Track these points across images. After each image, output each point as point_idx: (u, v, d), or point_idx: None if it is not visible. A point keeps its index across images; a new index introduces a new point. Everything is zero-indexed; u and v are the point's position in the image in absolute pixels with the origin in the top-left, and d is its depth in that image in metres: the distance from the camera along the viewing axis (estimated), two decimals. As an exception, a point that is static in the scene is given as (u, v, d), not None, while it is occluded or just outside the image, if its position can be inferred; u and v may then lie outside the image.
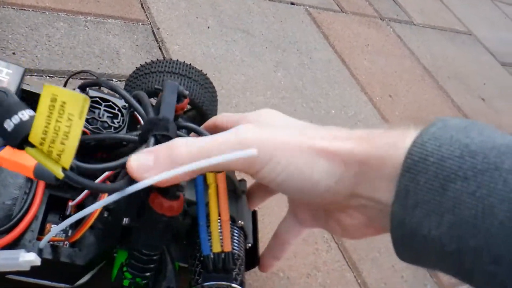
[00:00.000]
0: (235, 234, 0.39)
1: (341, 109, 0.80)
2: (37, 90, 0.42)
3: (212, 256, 0.36)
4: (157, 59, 0.53)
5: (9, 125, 0.28)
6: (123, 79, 0.63)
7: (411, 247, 0.26)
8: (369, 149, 0.28)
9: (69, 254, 0.35)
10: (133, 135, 0.38)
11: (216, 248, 0.36)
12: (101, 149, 0.40)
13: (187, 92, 0.39)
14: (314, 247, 0.56)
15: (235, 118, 0.37)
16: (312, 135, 0.30)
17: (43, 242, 0.34)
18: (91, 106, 0.40)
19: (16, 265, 0.30)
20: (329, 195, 0.29)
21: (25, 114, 0.28)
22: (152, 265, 0.36)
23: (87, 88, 0.41)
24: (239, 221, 0.39)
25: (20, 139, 0.27)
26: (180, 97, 0.38)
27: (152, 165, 0.28)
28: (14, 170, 0.29)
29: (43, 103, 0.26)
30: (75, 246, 0.36)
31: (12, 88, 0.39)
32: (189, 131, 0.38)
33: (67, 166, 0.26)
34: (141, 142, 0.33)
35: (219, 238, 0.36)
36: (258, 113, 0.36)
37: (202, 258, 0.37)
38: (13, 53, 0.58)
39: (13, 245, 0.33)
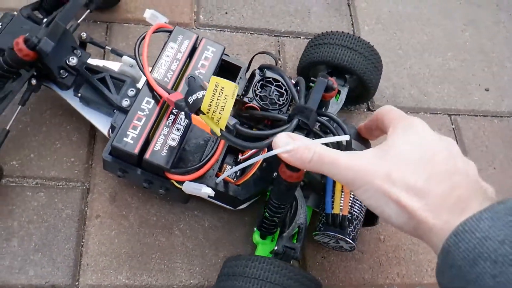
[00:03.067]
0: (357, 198, 0.48)
1: (530, 76, 0.77)
2: (231, 61, 0.56)
3: (331, 214, 0.47)
4: (331, 32, 0.61)
5: (190, 99, 0.43)
6: (309, 37, 0.73)
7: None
8: (430, 218, 0.33)
9: (234, 190, 0.50)
10: (285, 115, 0.49)
11: (336, 210, 0.47)
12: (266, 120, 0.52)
13: (335, 86, 0.49)
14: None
15: (392, 116, 0.41)
16: (401, 183, 0.34)
17: (219, 179, 0.49)
18: (265, 85, 0.52)
19: (199, 193, 0.46)
20: (397, 225, 0.36)
21: (200, 93, 0.43)
22: (280, 211, 0.47)
23: (264, 69, 0.53)
24: None
25: (196, 108, 0.42)
26: (328, 88, 0.48)
27: (288, 142, 0.39)
28: (201, 127, 0.44)
29: (210, 87, 0.40)
30: (239, 185, 0.50)
31: (214, 61, 0.53)
32: (328, 119, 0.47)
33: (223, 128, 0.41)
34: (288, 122, 0.45)
35: (340, 203, 0.46)
36: (408, 128, 0.38)
37: (325, 214, 0.48)
38: (226, 13, 0.73)
39: (200, 178, 0.48)
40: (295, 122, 0.44)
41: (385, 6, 0.79)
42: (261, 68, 0.53)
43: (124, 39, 0.66)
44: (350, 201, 0.49)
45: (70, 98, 0.54)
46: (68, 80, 0.52)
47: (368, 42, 0.61)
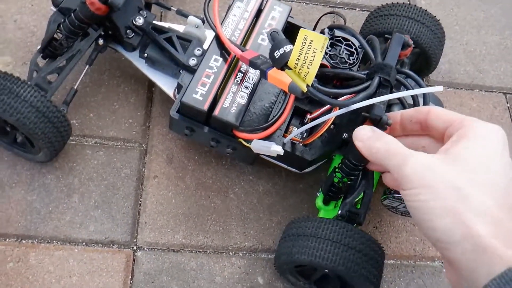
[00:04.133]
0: None
1: None
2: (296, 23, 0.55)
3: None
4: (396, 3, 0.60)
5: (277, 54, 0.43)
6: (364, 9, 0.72)
7: None
8: (501, 246, 0.29)
9: (302, 151, 0.50)
10: (362, 73, 0.49)
11: None
12: (337, 79, 0.51)
13: (411, 42, 0.48)
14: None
15: (449, 118, 0.36)
16: (472, 202, 0.31)
17: (287, 139, 0.49)
18: (334, 44, 0.52)
19: (268, 151, 0.47)
20: (442, 240, 0.32)
21: (287, 47, 0.43)
22: (356, 172, 0.48)
23: (334, 29, 0.53)
24: None
25: (283, 63, 0.42)
26: (404, 45, 0.47)
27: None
28: (276, 85, 0.44)
29: (299, 41, 0.39)
30: (306, 146, 0.50)
31: (281, 21, 0.53)
32: (407, 76, 0.47)
33: (310, 83, 0.40)
34: (367, 80, 0.44)
35: None
36: (487, 140, 0.33)
37: None
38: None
39: (268, 137, 0.48)
40: (376, 80, 0.43)
41: (442, -20, 0.77)
42: (331, 28, 0.53)
43: (181, 4, 0.67)
44: None
45: (136, 59, 0.55)
46: (134, 40, 0.53)
47: (435, 16, 0.59)
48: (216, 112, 0.47)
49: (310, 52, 0.39)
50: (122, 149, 0.57)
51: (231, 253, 0.53)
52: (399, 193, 0.48)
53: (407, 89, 0.46)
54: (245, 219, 0.55)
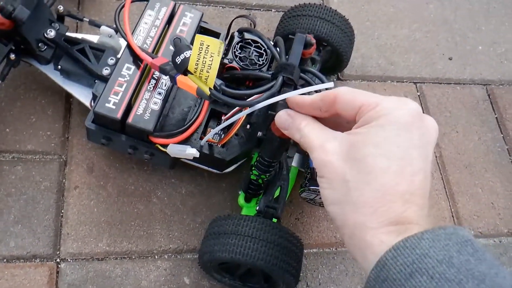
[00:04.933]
0: None
1: (490, 46, 0.80)
2: (210, 27, 0.57)
3: (313, 169, 0.49)
4: (308, 4, 0.62)
5: (178, 60, 0.44)
6: (280, 10, 0.74)
7: None
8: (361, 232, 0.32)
9: (219, 152, 0.52)
10: (268, 73, 0.51)
11: None
12: (248, 80, 0.54)
13: (313, 41, 0.50)
14: (417, 175, 0.65)
15: (355, 105, 0.35)
16: (352, 198, 0.33)
17: (203, 141, 0.50)
18: (244, 46, 0.54)
19: (184, 155, 0.48)
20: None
21: (188, 53, 0.44)
22: (271, 169, 0.50)
23: (243, 32, 0.55)
24: None
25: (184, 68, 0.44)
26: (307, 44, 0.49)
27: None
28: (186, 90, 0.45)
29: (196, 46, 0.41)
30: (224, 147, 0.52)
31: (192, 27, 0.54)
32: (311, 74, 0.49)
33: (211, 87, 0.42)
34: (272, 80, 0.46)
35: None
36: (384, 117, 0.33)
37: (310, 170, 0.50)
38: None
39: (185, 141, 0.49)
40: (280, 79, 0.45)
41: (352, -21, 0.81)
42: (240, 31, 0.54)
43: (97, 13, 0.67)
44: None
45: (51, 72, 0.55)
46: (47, 53, 0.52)
47: (344, 16, 0.62)
48: (130, 119, 0.47)
49: (207, 56, 0.41)
50: (41, 162, 0.56)
51: (156, 257, 0.54)
52: (314, 186, 0.50)
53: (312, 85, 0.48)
54: (169, 222, 0.56)
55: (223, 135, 0.53)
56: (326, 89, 0.38)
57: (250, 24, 0.62)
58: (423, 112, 0.35)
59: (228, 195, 0.59)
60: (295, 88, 0.46)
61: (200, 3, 0.72)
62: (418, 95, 0.73)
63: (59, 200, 0.55)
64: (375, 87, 0.72)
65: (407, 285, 0.29)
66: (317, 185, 0.48)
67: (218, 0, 0.73)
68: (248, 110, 0.43)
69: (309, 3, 0.62)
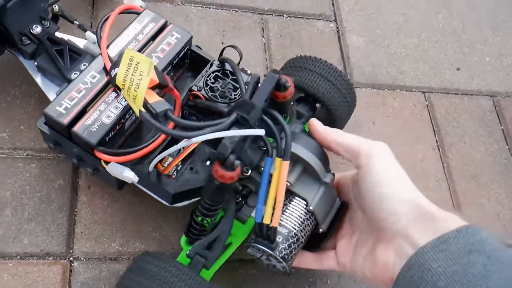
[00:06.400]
0: (300, 215, 0.46)
1: (498, 57, 0.81)
2: (202, 54, 0.54)
3: (259, 224, 0.43)
4: (314, 58, 0.57)
5: (112, 72, 0.43)
6: (291, 16, 0.75)
7: None
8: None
9: (165, 181, 0.47)
10: (226, 108, 0.45)
11: (266, 220, 0.42)
12: (208, 111, 0.49)
13: (289, 84, 0.44)
14: (425, 184, 0.66)
15: (352, 150, 0.46)
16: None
17: (151, 167, 0.46)
18: (220, 77, 0.51)
19: (121, 176, 0.45)
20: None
21: (117, 69, 0.42)
22: (211, 212, 0.45)
23: (225, 62, 0.51)
24: (311, 207, 0.45)
25: (114, 83, 0.42)
26: (281, 87, 0.44)
27: None
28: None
29: (124, 61, 0.39)
30: (176, 179, 0.48)
31: (176, 49, 0.50)
32: (272, 118, 0.44)
33: (140, 108, 0.40)
34: (227, 115, 0.42)
35: (271, 213, 0.42)
36: (372, 154, 0.44)
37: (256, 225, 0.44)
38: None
39: (137, 163, 0.46)
40: (233, 116, 0.41)
41: (364, -13, 0.82)
42: (221, 61, 0.52)
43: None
44: (288, 215, 0.46)
45: (32, 68, 0.55)
46: (29, 48, 0.53)
47: (349, 80, 0.58)
48: (75, 127, 0.45)
49: (136, 74, 0.39)
50: (55, 160, 0.57)
51: (168, 258, 0.55)
52: (258, 242, 0.45)
53: (273, 133, 0.43)
54: (181, 225, 0.56)
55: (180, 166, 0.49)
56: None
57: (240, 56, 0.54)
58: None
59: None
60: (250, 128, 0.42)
61: (214, 7, 0.73)
62: (427, 105, 0.74)
63: (73, 199, 0.55)
64: (385, 95, 0.73)
65: (466, 258, 0.36)
66: (263, 244, 0.44)
67: (232, 4, 0.74)
68: (183, 142, 0.41)
69: (315, 58, 0.57)
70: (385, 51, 0.76)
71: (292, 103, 0.51)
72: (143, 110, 0.40)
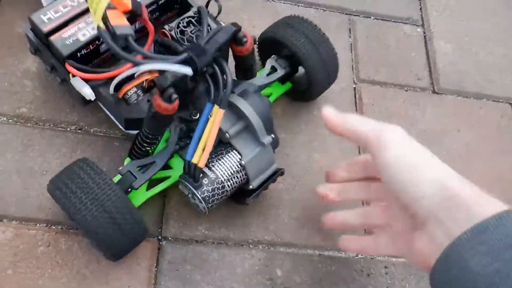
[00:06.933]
0: (232, 166, 0.49)
1: None
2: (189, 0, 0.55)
3: (188, 162, 0.46)
4: (300, 17, 0.59)
5: None
6: (378, 18, 0.75)
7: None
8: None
9: (121, 106, 0.50)
10: (180, 48, 0.49)
11: (194, 160, 0.45)
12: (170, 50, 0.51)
13: (245, 40, 0.48)
14: (510, 196, 0.64)
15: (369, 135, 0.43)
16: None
17: (111, 87, 0.48)
18: (193, 23, 0.52)
19: (80, 91, 0.49)
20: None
21: None
22: (148, 141, 0.48)
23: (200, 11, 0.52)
24: (243, 161, 0.48)
25: None
26: (237, 41, 0.48)
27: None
28: None
29: None
30: (131, 105, 0.50)
31: None
32: (219, 67, 0.46)
33: (99, 21, 0.42)
34: (179, 54, 0.45)
35: (200, 154, 0.45)
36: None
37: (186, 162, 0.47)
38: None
39: (103, 85, 0.49)
40: (183, 55, 0.44)
41: (451, -7, 0.81)
42: (198, 9, 0.53)
43: None
44: (221, 163, 0.49)
45: None
46: None
47: (334, 49, 0.58)
48: (53, 37, 0.49)
49: None
50: (148, 143, 0.59)
51: (251, 246, 0.56)
52: (185, 178, 0.48)
53: (216, 81, 0.46)
54: (265, 215, 0.57)
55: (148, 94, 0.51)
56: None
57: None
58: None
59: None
60: (196, 71, 0.44)
61: (302, 5, 0.74)
62: (513, 116, 0.72)
63: (163, 180, 0.57)
64: (471, 104, 0.71)
65: (508, 253, 0.32)
66: (188, 181, 0.47)
67: (320, 3, 0.74)
68: (130, 70, 0.44)
69: (306, 19, 0.58)
70: (473, 58, 0.75)
71: (255, 60, 0.53)
72: (102, 26, 0.42)
